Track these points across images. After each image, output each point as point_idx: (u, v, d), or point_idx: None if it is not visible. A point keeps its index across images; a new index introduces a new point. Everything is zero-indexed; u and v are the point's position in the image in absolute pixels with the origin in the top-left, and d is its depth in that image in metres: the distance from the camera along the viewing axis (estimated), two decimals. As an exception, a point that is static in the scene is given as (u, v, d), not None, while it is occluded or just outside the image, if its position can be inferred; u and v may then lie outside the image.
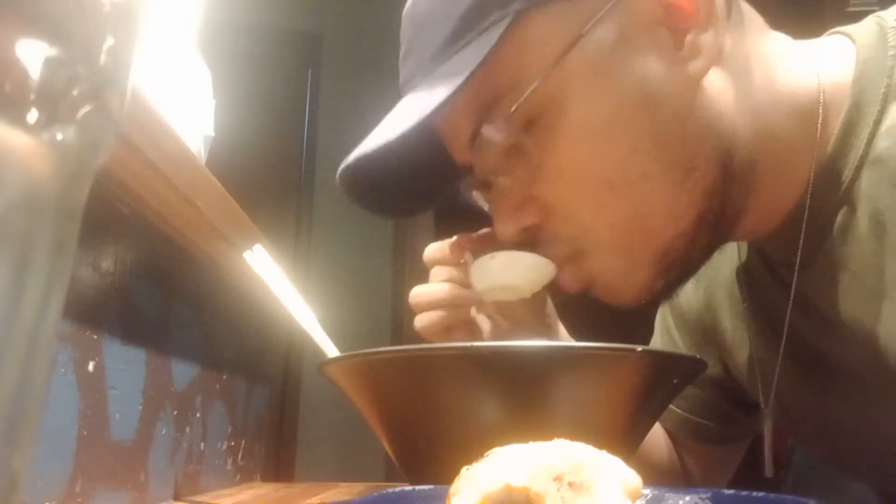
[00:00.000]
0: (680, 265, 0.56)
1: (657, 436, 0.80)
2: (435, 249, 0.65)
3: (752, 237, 0.62)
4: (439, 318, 0.63)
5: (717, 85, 0.53)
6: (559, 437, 0.32)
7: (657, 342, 0.81)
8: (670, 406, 0.76)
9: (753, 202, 0.56)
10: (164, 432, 0.71)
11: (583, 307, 0.69)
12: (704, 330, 0.75)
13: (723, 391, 0.76)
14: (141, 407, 0.65)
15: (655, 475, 0.75)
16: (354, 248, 2.29)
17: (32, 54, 0.15)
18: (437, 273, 0.64)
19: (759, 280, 0.65)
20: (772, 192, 0.56)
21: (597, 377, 0.51)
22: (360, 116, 2.31)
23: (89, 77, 0.16)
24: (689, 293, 0.75)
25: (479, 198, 0.61)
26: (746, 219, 0.57)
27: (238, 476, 0.99)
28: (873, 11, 0.58)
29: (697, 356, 0.55)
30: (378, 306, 2.19)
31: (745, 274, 0.68)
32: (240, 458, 1.00)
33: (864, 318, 0.54)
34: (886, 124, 0.52)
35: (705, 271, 0.63)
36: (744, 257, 0.67)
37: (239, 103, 1.56)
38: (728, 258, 0.70)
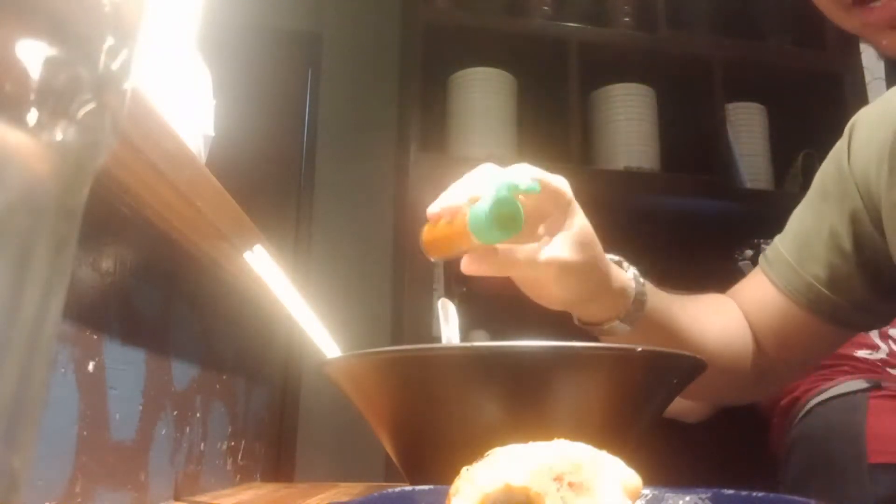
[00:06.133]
0: None
1: (726, 323, 0.74)
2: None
3: None
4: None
5: None
6: (559, 437, 0.32)
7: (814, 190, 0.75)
8: (800, 274, 0.72)
9: None
10: (164, 432, 0.71)
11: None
12: (869, 191, 0.69)
13: (865, 270, 0.71)
14: (141, 407, 0.65)
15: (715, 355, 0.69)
16: (354, 248, 2.29)
17: (32, 54, 0.15)
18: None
19: None
20: None
21: (597, 377, 0.51)
22: (360, 116, 2.32)
23: (89, 77, 0.16)
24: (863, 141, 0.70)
25: None
26: None
27: (238, 476, 0.99)
28: None
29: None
30: (378, 306, 2.19)
31: None
32: (240, 458, 1.00)
33: None
34: None
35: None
36: None
37: (239, 103, 1.56)
38: None
